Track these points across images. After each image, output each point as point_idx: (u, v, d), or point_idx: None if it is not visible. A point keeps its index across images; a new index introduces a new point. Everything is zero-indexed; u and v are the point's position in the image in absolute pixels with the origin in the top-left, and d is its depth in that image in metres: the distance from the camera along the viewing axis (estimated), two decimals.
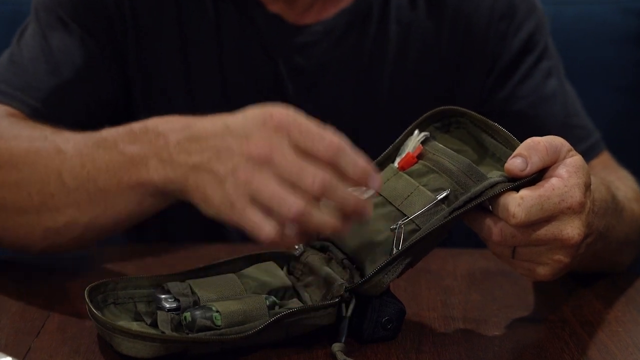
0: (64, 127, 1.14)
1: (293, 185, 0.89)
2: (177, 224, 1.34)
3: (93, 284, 0.95)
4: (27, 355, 0.92)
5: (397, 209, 0.95)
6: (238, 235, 1.32)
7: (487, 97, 1.30)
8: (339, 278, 0.94)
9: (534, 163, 0.92)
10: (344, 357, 0.90)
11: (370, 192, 0.97)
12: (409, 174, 0.97)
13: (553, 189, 0.91)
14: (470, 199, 0.92)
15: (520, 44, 1.29)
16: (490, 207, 0.92)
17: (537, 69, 1.30)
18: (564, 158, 0.93)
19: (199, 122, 0.97)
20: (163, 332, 0.91)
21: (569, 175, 0.92)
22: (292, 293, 0.97)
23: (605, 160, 1.31)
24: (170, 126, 0.98)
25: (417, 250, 0.93)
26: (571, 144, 1.27)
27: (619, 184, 1.17)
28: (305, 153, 0.90)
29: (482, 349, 0.94)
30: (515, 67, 1.30)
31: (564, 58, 1.36)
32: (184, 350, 0.89)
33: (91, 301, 0.93)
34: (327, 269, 0.96)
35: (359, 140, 1.30)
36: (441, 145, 0.99)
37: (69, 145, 1.06)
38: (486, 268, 1.15)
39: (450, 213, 0.92)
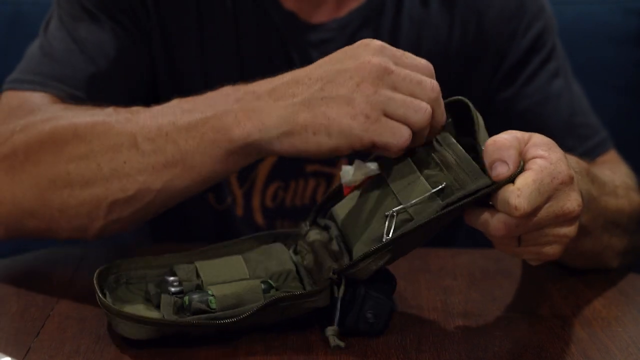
0: None
1: (414, 92, 0.94)
2: (183, 224, 1.35)
3: (104, 265, 0.97)
4: (27, 355, 0.92)
5: (395, 196, 0.95)
6: (245, 228, 1.32)
7: (493, 96, 1.31)
8: (330, 260, 0.95)
9: (511, 156, 0.90)
10: (337, 341, 0.90)
11: (376, 171, 0.98)
12: (416, 162, 0.97)
13: (542, 170, 0.90)
14: (465, 196, 0.91)
15: (528, 44, 1.30)
16: (491, 202, 0.92)
17: (543, 69, 1.31)
18: (528, 140, 0.93)
19: (289, 73, 0.99)
20: (163, 316, 0.93)
21: (548, 153, 0.92)
22: (294, 276, 0.98)
23: (610, 158, 1.31)
24: (256, 83, 0.99)
25: (407, 240, 0.92)
26: (576, 142, 1.28)
27: (607, 172, 1.18)
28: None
29: (482, 349, 0.94)
30: (522, 67, 1.30)
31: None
32: (180, 332, 0.91)
33: (104, 281, 0.96)
34: (322, 251, 0.97)
35: None
36: (452, 138, 0.98)
37: (139, 112, 1.05)
38: (486, 268, 1.15)
39: (444, 208, 0.91)
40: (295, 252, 1.01)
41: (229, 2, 1.26)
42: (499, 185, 0.90)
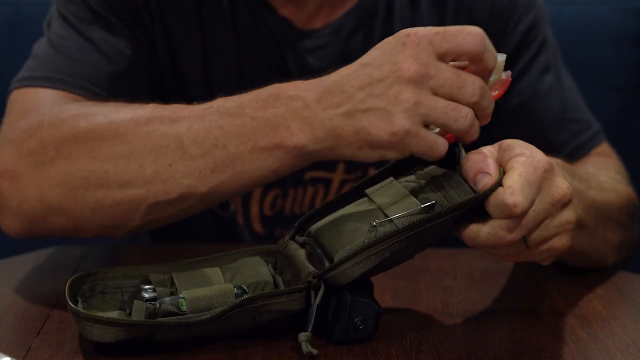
0: None
1: (454, 97, 0.92)
2: (183, 225, 1.35)
3: (80, 273, 0.96)
4: (27, 355, 0.92)
5: (382, 212, 0.95)
6: (246, 236, 1.32)
7: None
8: (310, 266, 0.94)
9: (489, 166, 0.91)
10: (309, 347, 0.89)
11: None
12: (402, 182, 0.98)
13: (523, 164, 0.91)
14: (452, 210, 0.91)
15: (518, 39, 1.30)
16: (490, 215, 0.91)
17: (534, 64, 1.30)
18: (499, 147, 0.94)
19: (331, 76, 0.96)
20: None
21: (521, 148, 0.92)
22: (271, 287, 0.97)
23: (602, 151, 1.31)
24: (300, 87, 0.97)
25: (390, 249, 0.91)
26: (568, 137, 1.28)
27: (591, 169, 1.19)
28: (452, 56, 0.93)
29: (482, 349, 0.94)
30: (513, 63, 1.30)
31: (564, 58, 1.36)
32: (149, 335, 0.90)
33: (78, 289, 0.95)
34: (302, 262, 0.96)
35: None
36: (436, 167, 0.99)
37: (183, 112, 1.02)
38: (486, 268, 1.15)
39: (429, 219, 0.91)
40: (275, 268, 1.00)
41: (227, 8, 1.25)
42: (485, 193, 0.90)
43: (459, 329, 0.98)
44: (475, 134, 0.95)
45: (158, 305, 0.92)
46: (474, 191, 0.91)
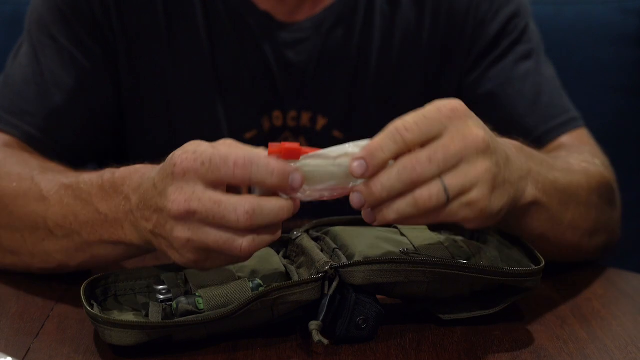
0: (61, 148, 1.19)
1: (222, 227, 0.88)
2: None
3: (93, 277, 0.97)
4: (27, 355, 0.92)
5: (413, 246, 0.97)
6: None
7: (462, 81, 1.32)
8: (325, 257, 0.95)
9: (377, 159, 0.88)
10: (319, 336, 0.89)
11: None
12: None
13: (428, 107, 0.89)
14: (481, 270, 0.94)
15: (497, 29, 1.31)
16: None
17: (511, 52, 1.31)
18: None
19: (145, 179, 0.95)
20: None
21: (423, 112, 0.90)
22: (285, 279, 0.97)
23: (578, 137, 1.30)
24: (130, 186, 0.96)
25: (409, 275, 0.93)
26: (538, 121, 1.28)
27: (562, 153, 1.21)
28: (223, 184, 0.89)
29: (482, 349, 0.94)
30: (490, 51, 1.31)
31: (564, 58, 1.36)
32: (168, 336, 0.90)
33: (91, 294, 0.95)
34: (316, 252, 0.96)
35: (351, 129, 1.30)
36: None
37: (51, 191, 1.06)
38: None
39: (456, 266, 0.93)
40: (285, 257, 1.01)
41: (199, 8, 1.26)
42: (517, 271, 0.94)
43: (459, 329, 0.98)
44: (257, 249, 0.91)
45: (175, 306, 0.92)
46: (508, 269, 0.95)
